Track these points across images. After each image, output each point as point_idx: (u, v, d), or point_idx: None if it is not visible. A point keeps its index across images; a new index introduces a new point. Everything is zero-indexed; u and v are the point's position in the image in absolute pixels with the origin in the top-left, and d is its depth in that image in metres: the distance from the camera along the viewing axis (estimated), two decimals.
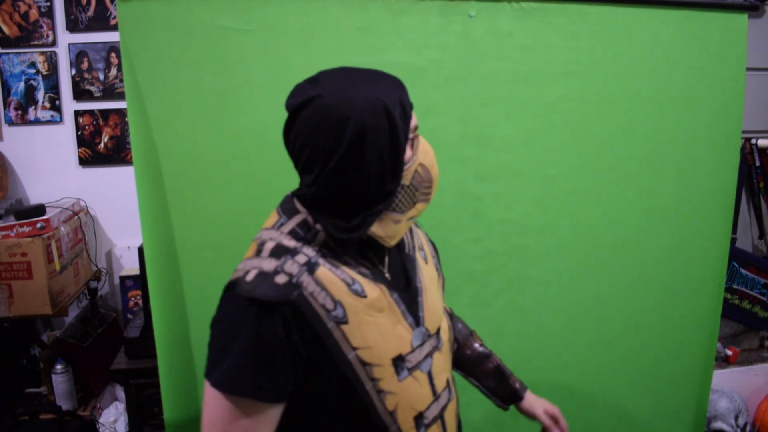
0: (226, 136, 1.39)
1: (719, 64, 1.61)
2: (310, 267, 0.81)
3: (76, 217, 2.33)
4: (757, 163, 2.53)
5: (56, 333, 2.30)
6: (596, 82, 1.55)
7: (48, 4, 2.32)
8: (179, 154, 1.38)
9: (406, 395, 0.87)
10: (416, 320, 0.91)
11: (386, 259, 0.91)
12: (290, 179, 1.44)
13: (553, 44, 1.50)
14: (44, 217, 2.09)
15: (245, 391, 0.78)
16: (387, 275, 0.90)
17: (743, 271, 2.55)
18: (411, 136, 0.86)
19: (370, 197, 0.83)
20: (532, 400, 1.18)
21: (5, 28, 2.33)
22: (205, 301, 1.46)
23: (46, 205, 2.19)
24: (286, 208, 0.88)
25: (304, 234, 0.85)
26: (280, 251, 0.82)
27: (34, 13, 2.33)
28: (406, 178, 0.85)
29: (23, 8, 2.32)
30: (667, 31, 1.56)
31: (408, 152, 0.86)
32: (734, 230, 2.46)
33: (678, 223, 1.68)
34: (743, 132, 1.71)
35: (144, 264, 1.46)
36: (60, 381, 2.18)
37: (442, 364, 0.95)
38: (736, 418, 2.31)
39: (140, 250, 1.95)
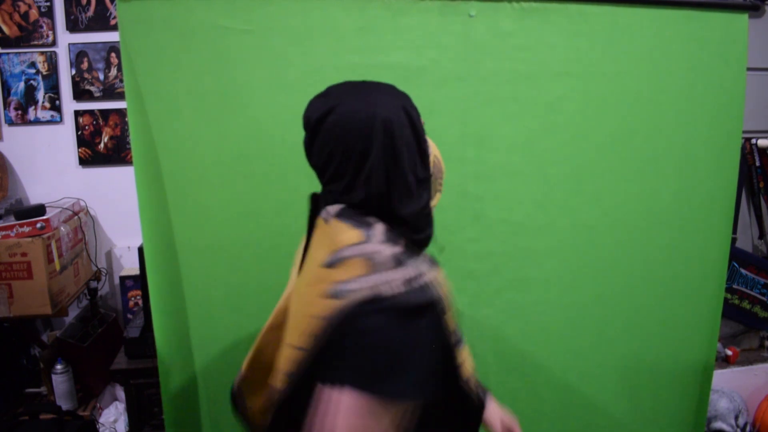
0: (226, 136, 1.39)
1: (719, 64, 1.61)
2: (431, 264, 0.87)
3: (76, 217, 2.33)
4: (757, 163, 2.53)
5: (56, 333, 2.30)
6: (596, 82, 1.55)
7: (48, 4, 2.32)
8: (179, 154, 1.39)
9: (466, 362, 0.96)
10: None
11: None
12: (290, 179, 1.44)
13: (553, 44, 1.50)
14: (44, 217, 2.09)
15: (428, 395, 0.81)
16: None
17: (743, 271, 2.55)
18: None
19: (413, 189, 0.86)
20: (492, 410, 1.14)
21: (5, 28, 2.33)
22: (205, 301, 1.46)
23: (46, 205, 2.19)
24: (357, 221, 0.86)
25: (395, 240, 0.86)
26: (396, 259, 0.83)
27: (34, 13, 2.32)
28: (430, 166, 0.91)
29: (23, 8, 2.31)
30: (667, 31, 1.56)
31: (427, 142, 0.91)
32: (734, 230, 2.46)
33: (678, 223, 1.68)
34: (743, 132, 1.71)
35: (144, 264, 1.46)
36: (60, 381, 2.18)
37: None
38: (736, 418, 2.31)
39: (140, 250, 1.95)
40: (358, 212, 0.87)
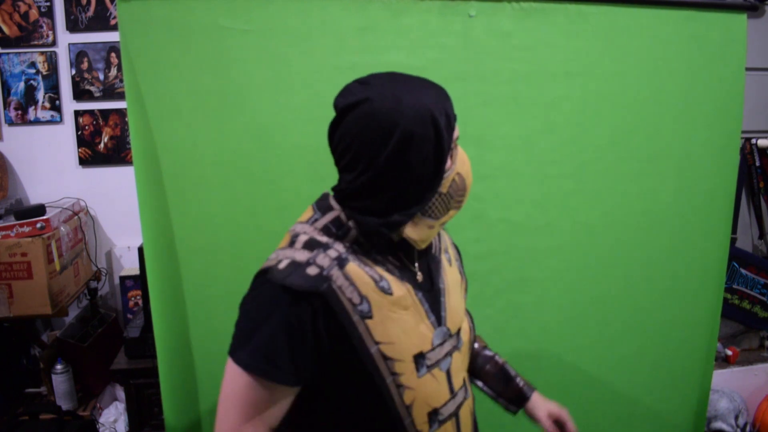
0: (226, 136, 1.39)
1: (719, 64, 1.61)
2: (341, 262, 0.85)
3: (76, 217, 2.33)
4: (757, 163, 2.53)
5: (56, 333, 2.30)
6: (596, 82, 1.55)
7: (48, 4, 2.32)
8: (179, 154, 1.38)
9: (424, 391, 0.90)
10: (438, 320, 0.94)
11: (416, 259, 0.95)
12: (290, 179, 1.44)
13: (553, 44, 1.50)
14: (44, 217, 2.09)
15: (265, 373, 0.82)
16: (419, 275, 0.94)
17: (743, 271, 2.55)
18: (452, 146, 0.89)
19: (407, 200, 0.86)
20: (538, 402, 1.15)
21: (5, 28, 2.33)
22: (205, 301, 1.46)
23: (46, 205, 2.19)
24: (321, 205, 0.91)
25: (336, 230, 0.88)
26: (312, 244, 0.86)
27: (34, 13, 2.33)
28: (444, 187, 0.89)
29: (23, 8, 2.32)
30: (666, 31, 1.56)
31: (448, 162, 0.88)
32: (734, 230, 2.47)
33: (678, 223, 1.68)
34: (743, 132, 1.71)
35: (144, 264, 1.46)
36: (60, 381, 2.18)
37: (460, 363, 0.98)
38: (736, 418, 2.31)
39: (140, 250, 1.95)
40: (333, 198, 0.91)
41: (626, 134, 1.60)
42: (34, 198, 2.42)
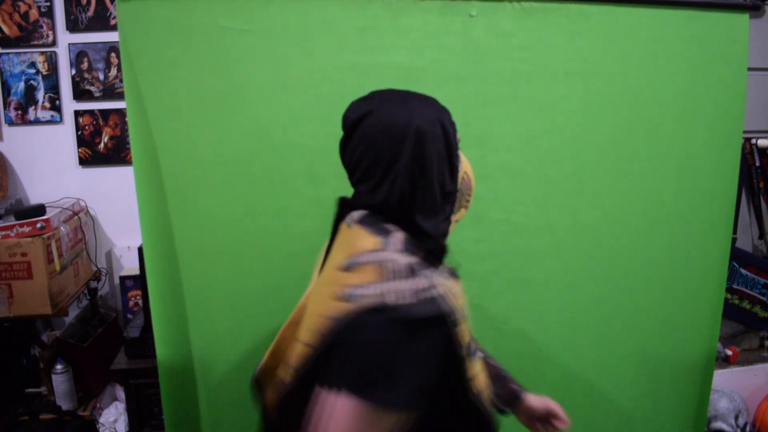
0: (226, 136, 1.39)
1: (720, 64, 1.61)
2: (440, 280, 0.84)
3: (76, 217, 2.33)
4: (757, 163, 2.53)
5: (56, 333, 2.30)
6: (596, 82, 1.55)
7: (48, 4, 2.32)
8: (179, 154, 1.38)
9: (479, 376, 0.94)
10: None
11: None
12: (290, 179, 1.44)
13: (553, 44, 1.50)
14: (44, 217, 2.09)
15: (419, 407, 0.80)
16: None
17: (743, 271, 2.55)
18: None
19: (437, 201, 0.88)
20: (530, 398, 1.17)
21: (5, 28, 2.33)
22: (205, 301, 1.46)
23: (46, 205, 2.19)
24: (377, 228, 0.87)
25: (415, 250, 0.86)
26: (410, 269, 0.83)
27: (34, 13, 2.32)
28: (458, 183, 0.93)
29: (23, 8, 2.31)
30: (667, 31, 1.56)
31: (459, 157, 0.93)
32: (734, 230, 2.46)
33: (678, 223, 1.67)
34: (743, 132, 1.70)
35: (144, 264, 1.46)
36: (60, 381, 2.18)
37: None
38: (736, 418, 2.31)
39: (140, 250, 1.95)
40: (379, 219, 0.88)
41: (627, 134, 1.59)
42: (34, 198, 2.42)
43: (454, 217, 0.94)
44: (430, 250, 0.88)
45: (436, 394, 0.84)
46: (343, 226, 0.91)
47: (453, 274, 0.91)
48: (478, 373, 0.93)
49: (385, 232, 0.87)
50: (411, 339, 0.78)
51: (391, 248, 0.85)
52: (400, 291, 0.80)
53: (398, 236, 0.87)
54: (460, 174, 0.93)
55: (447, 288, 0.83)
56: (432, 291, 0.80)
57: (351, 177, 0.92)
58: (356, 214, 0.90)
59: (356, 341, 0.80)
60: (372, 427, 0.78)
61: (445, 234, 0.92)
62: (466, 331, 0.86)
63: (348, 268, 0.85)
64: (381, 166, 0.86)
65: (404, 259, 0.84)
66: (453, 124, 0.92)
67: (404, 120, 0.85)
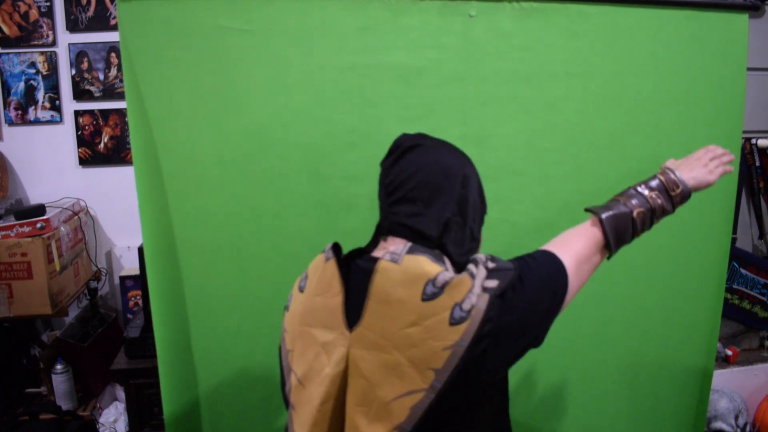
0: (226, 136, 1.39)
1: (719, 64, 1.61)
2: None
3: (76, 217, 2.33)
4: (757, 163, 2.53)
5: (56, 333, 2.30)
6: (596, 82, 1.55)
7: (48, 4, 2.32)
8: (179, 154, 1.39)
9: None
10: None
11: None
12: (290, 179, 1.44)
13: (553, 44, 1.50)
14: (44, 217, 2.09)
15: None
16: None
17: (743, 271, 2.55)
18: None
19: (465, 242, 0.93)
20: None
21: (5, 28, 2.33)
22: (205, 301, 1.46)
23: (46, 205, 2.19)
24: (431, 254, 0.87)
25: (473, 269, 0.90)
26: (478, 266, 0.88)
27: (34, 13, 2.33)
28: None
29: (23, 8, 2.32)
30: (667, 31, 1.56)
31: None
32: (734, 230, 2.46)
33: (678, 223, 1.67)
34: (743, 132, 1.71)
35: (144, 264, 1.46)
36: (60, 381, 2.18)
37: None
38: (736, 418, 2.31)
39: (140, 250, 1.95)
40: (425, 246, 0.88)
41: (627, 134, 1.59)
42: (34, 198, 2.42)
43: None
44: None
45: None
46: (384, 266, 0.85)
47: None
48: None
49: (438, 257, 0.88)
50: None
51: (450, 267, 0.89)
52: (487, 279, 0.83)
53: (446, 259, 0.90)
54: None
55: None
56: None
57: (390, 196, 0.93)
58: (398, 249, 0.87)
59: (504, 314, 0.82)
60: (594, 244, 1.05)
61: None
62: None
63: (435, 294, 0.82)
64: (428, 191, 0.90)
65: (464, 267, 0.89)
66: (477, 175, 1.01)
67: (455, 161, 0.94)
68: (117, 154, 2.45)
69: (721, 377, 2.39)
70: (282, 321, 0.99)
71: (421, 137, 0.96)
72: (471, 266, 0.85)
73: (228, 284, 1.46)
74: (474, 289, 0.82)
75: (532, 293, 0.86)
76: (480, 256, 0.88)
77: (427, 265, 0.84)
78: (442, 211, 0.91)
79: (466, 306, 0.81)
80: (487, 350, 0.81)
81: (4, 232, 2.04)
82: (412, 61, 1.43)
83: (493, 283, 0.83)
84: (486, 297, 0.81)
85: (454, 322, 0.80)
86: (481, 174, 1.02)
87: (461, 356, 0.79)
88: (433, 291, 0.82)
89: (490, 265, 0.85)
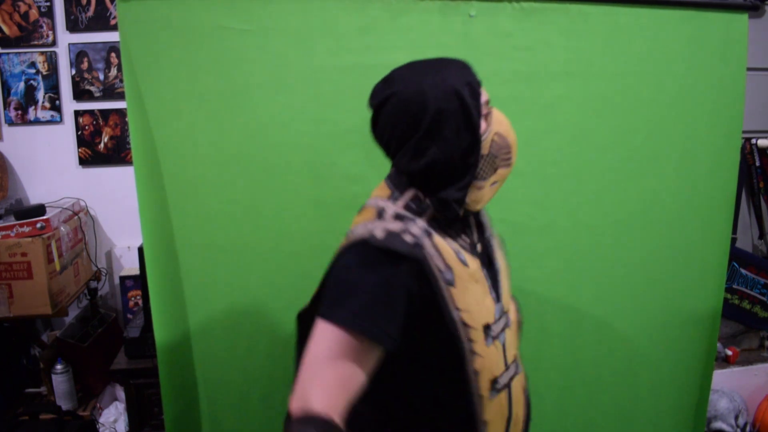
0: (226, 135, 1.39)
1: (719, 64, 1.61)
2: (428, 233, 0.93)
3: (76, 217, 2.33)
4: (757, 163, 2.53)
5: (56, 333, 2.30)
6: (596, 82, 1.55)
7: (48, 4, 2.32)
8: (179, 154, 1.39)
9: (489, 360, 0.98)
10: (497, 296, 1.03)
11: (477, 239, 1.04)
12: (290, 179, 1.44)
13: (553, 44, 1.50)
14: (44, 217, 2.09)
15: (366, 331, 0.85)
16: (479, 250, 1.03)
17: (743, 271, 2.55)
18: (484, 111, 0.97)
19: (456, 170, 0.94)
20: None
21: (5, 28, 2.33)
22: (205, 301, 1.46)
23: (46, 205, 2.19)
24: (397, 183, 0.99)
25: (416, 207, 0.97)
26: (401, 217, 0.95)
27: (34, 13, 2.33)
28: (485, 149, 0.97)
29: (23, 8, 2.32)
30: (667, 31, 1.56)
31: (483, 125, 0.96)
32: (734, 230, 2.46)
33: (678, 223, 1.67)
34: (743, 132, 1.71)
35: (144, 264, 1.46)
36: (60, 381, 2.18)
37: (511, 340, 1.07)
38: (736, 418, 2.31)
39: (140, 250, 1.95)
40: (404, 180, 0.98)
41: (627, 134, 1.59)
42: (34, 198, 2.42)
43: (489, 181, 0.98)
44: (438, 212, 0.96)
45: (405, 342, 0.89)
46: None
47: (472, 248, 1.01)
48: (489, 356, 0.97)
49: (400, 187, 0.98)
50: (378, 267, 0.87)
51: (399, 202, 0.96)
52: (380, 228, 0.90)
53: (409, 194, 0.97)
54: (489, 137, 0.97)
55: (422, 240, 0.91)
56: (404, 235, 0.90)
57: (386, 153, 1.00)
58: (391, 172, 1.01)
59: (331, 269, 0.91)
60: (341, 350, 0.84)
61: (459, 200, 0.96)
62: (456, 294, 0.92)
63: (360, 210, 1.00)
64: (403, 145, 0.94)
65: (398, 209, 0.95)
66: (474, 86, 0.95)
67: (421, 103, 0.91)
68: (117, 154, 2.45)
69: (721, 377, 2.39)
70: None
71: (388, 85, 0.96)
72: (397, 216, 0.94)
73: (228, 284, 1.45)
74: (366, 223, 0.93)
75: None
76: (403, 213, 0.95)
77: (378, 189, 1.02)
78: (417, 155, 0.93)
79: (354, 230, 0.94)
80: None
81: (4, 232, 2.04)
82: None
83: (365, 233, 0.90)
84: (358, 235, 0.90)
85: (346, 235, 0.96)
86: None
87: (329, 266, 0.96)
88: (361, 208, 1.03)
89: (391, 233, 0.89)
